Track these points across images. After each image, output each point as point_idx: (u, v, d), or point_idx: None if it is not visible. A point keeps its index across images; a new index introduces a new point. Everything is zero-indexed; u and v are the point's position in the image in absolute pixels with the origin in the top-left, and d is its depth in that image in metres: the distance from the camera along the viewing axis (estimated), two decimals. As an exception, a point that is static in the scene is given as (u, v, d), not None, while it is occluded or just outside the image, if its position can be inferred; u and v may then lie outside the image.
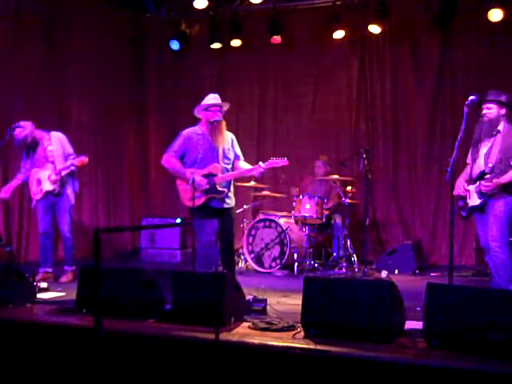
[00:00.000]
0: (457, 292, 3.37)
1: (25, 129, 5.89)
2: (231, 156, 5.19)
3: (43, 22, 7.56)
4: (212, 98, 5.18)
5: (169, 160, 5.17)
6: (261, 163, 4.97)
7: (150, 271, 4.27)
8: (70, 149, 6.04)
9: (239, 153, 5.27)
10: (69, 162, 5.82)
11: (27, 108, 7.32)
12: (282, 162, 5.01)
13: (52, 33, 7.71)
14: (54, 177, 5.86)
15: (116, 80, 8.69)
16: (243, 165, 5.20)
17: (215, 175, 5.01)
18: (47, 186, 5.89)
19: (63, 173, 5.86)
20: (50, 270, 5.97)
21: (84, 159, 5.80)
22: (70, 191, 5.99)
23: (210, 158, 5.05)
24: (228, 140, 5.17)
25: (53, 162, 5.90)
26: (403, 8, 7.90)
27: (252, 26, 8.56)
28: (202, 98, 5.25)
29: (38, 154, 5.99)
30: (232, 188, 5.20)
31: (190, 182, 4.91)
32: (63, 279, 5.92)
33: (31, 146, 5.98)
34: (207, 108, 5.12)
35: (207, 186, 4.98)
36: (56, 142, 5.96)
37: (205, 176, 5.01)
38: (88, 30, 8.00)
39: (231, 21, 8.47)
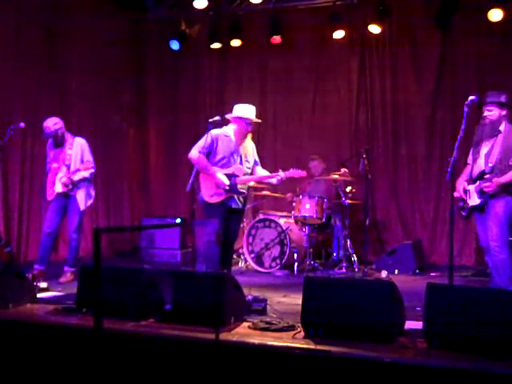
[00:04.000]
0: (457, 292, 3.38)
1: (58, 123, 6.01)
2: (251, 161, 5.49)
3: (43, 23, 7.56)
4: (250, 112, 5.42)
5: (197, 156, 5.32)
6: (281, 172, 5.26)
7: (149, 271, 4.27)
8: (89, 156, 6.12)
9: (258, 159, 5.59)
10: (81, 173, 5.94)
11: (27, 108, 7.33)
12: (301, 173, 5.32)
13: (52, 33, 7.69)
14: (64, 180, 5.95)
15: (116, 80, 8.68)
16: (261, 171, 5.51)
17: (237, 176, 5.28)
18: (58, 188, 6.00)
19: (74, 177, 5.94)
20: (44, 268, 5.98)
21: (86, 166, 5.96)
22: (81, 196, 6.02)
23: (234, 160, 5.33)
24: (250, 147, 5.49)
25: (68, 166, 5.99)
26: (403, 8, 7.89)
27: (252, 26, 8.55)
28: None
29: (59, 152, 6.06)
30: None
31: (226, 183, 5.18)
32: (62, 279, 5.93)
33: (58, 142, 6.05)
34: (246, 120, 5.36)
35: (226, 187, 5.22)
36: (76, 147, 6.07)
37: (227, 176, 5.26)
38: (88, 29, 7.99)
39: (231, 21, 8.45)
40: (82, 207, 6.03)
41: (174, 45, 8.64)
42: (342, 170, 7.04)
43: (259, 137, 8.82)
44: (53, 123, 5.98)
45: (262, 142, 8.80)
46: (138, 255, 8.06)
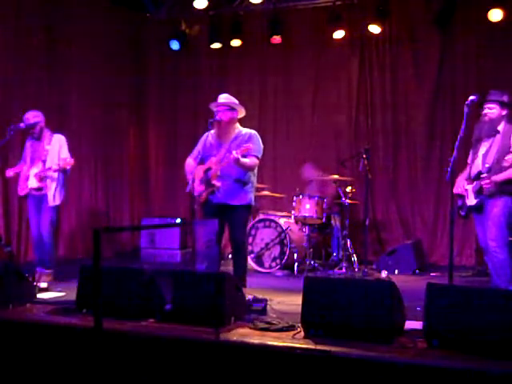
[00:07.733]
0: (457, 292, 3.38)
1: (38, 116, 5.94)
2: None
3: (43, 22, 7.56)
4: (219, 98, 5.27)
5: (186, 162, 5.36)
6: (234, 152, 4.86)
7: (149, 271, 4.27)
8: (66, 153, 5.96)
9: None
10: (54, 166, 5.75)
11: (27, 108, 7.30)
12: (247, 147, 4.90)
13: (52, 33, 7.69)
14: (40, 174, 5.83)
15: (116, 80, 8.68)
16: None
17: (211, 169, 5.14)
18: (32, 183, 5.88)
19: (49, 173, 5.81)
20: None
21: (70, 161, 5.76)
22: (51, 192, 5.85)
23: (213, 154, 5.19)
24: (236, 136, 5.18)
25: (44, 161, 5.87)
26: (403, 8, 7.90)
27: (252, 26, 8.56)
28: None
29: (36, 148, 5.98)
30: (247, 184, 5.16)
31: (190, 183, 5.02)
32: (41, 282, 5.55)
33: (35, 136, 5.97)
34: (215, 109, 5.26)
35: (202, 188, 5.11)
36: (54, 143, 5.96)
37: (205, 171, 5.16)
38: (88, 29, 7.99)
39: (231, 21, 8.46)
40: (51, 203, 5.84)
41: (174, 45, 8.65)
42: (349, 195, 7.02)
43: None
44: (33, 115, 5.92)
45: (262, 141, 8.79)
46: (138, 255, 8.06)
